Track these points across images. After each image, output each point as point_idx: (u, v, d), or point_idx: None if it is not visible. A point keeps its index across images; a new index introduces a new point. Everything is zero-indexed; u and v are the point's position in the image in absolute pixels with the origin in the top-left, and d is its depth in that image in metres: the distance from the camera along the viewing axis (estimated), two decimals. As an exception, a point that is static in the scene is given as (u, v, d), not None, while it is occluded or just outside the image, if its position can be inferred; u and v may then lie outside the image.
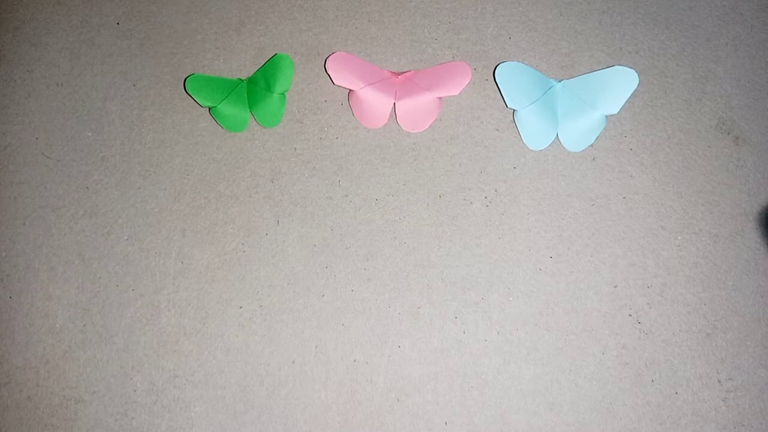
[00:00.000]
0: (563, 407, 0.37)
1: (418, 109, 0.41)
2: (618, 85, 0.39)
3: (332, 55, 0.42)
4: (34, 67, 0.44)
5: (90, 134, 0.43)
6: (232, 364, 0.39)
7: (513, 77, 0.40)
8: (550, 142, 0.40)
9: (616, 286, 0.38)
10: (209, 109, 0.42)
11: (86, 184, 0.42)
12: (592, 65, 0.42)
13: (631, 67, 0.40)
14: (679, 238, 0.39)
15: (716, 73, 0.41)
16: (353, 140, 0.41)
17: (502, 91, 0.41)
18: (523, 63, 0.41)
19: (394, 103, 0.41)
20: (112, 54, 0.44)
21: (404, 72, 0.42)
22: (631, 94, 0.40)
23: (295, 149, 0.42)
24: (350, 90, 0.42)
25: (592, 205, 0.40)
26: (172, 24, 0.44)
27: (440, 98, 0.41)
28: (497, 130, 0.41)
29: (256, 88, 0.42)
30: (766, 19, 0.42)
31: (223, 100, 0.41)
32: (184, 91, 0.42)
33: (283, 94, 0.42)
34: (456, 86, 0.41)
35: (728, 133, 0.40)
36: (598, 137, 0.40)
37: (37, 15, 0.45)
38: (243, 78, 0.42)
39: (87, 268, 0.40)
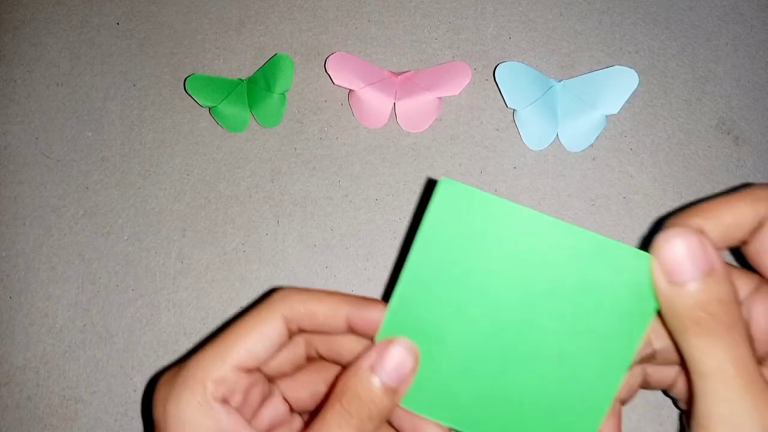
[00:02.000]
0: (563, 407, 0.37)
1: (418, 109, 0.41)
2: (618, 85, 0.39)
3: (332, 55, 0.42)
4: (34, 67, 0.44)
5: (90, 134, 0.43)
6: (232, 364, 0.39)
7: (513, 77, 0.40)
8: (550, 142, 0.40)
9: (616, 286, 0.38)
10: (209, 109, 0.42)
11: (86, 184, 0.42)
12: (592, 65, 0.42)
13: (631, 67, 0.40)
14: (679, 238, 0.39)
15: (716, 73, 0.41)
16: (353, 140, 0.41)
17: (502, 91, 0.41)
18: (523, 63, 0.41)
19: (394, 103, 0.41)
20: (112, 54, 0.44)
21: (404, 72, 0.42)
22: (631, 94, 0.40)
23: (295, 149, 0.42)
24: (350, 90, 0.42)
25: (593, 205, 0.40)
26: (172, 24, 0.44)
27: (440, 98, 0.41)
28: (497, 130, 0.41)
29: (256, 88, 0.42)
30: (767, 19, 0.42)
31: (223, 100, 0.42)
32: (184, 91, 0.42)
33: (283, 94, 0.42)
34: (456, 86, 0.41)
35: (728, 133, 0.40)
36: (598, 137, 0.40)
37: (37, 15, 0.45)
38: (243, 78, 0.42)
39: (87, 268, 0.40)
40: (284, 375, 0.30)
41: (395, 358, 0.26)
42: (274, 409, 0.30)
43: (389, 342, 0.26)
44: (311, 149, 0.41)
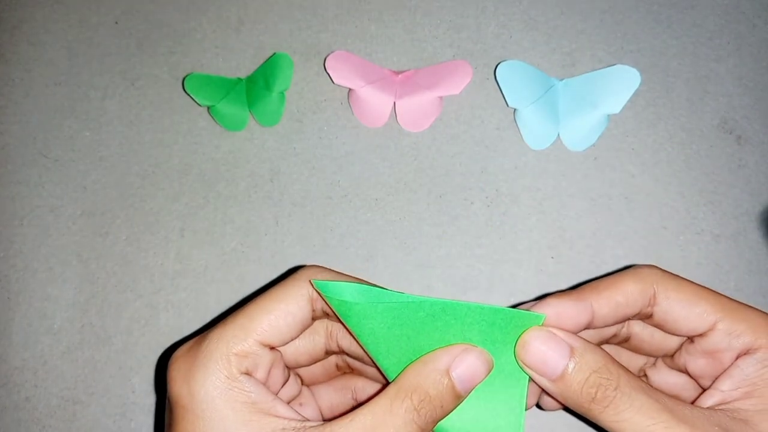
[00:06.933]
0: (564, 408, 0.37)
1: (418, 109, 0.41)
2: (620, 84, 0.39)
3: (332, 54, 0.41)
4: (32, 66, 0.44)
5: (88, 134, 0.43)
6: (231, 365, 0.39)
7: (514, 76, 0.40)
8: (551, 142, 0.40)
9: (617, 287, 0.38)
10: (208, 108, 0.42)
11: (84, 184, 0.42)
12: (594, 64, 0.41)
13: (632, 66, 0.39)
14: (681, 238, 0.39)
15: (718, 73, 0.41)
16: (353, 140, 0.41)
17: (502, 90, 0.40)
18: (524, 62, 0.40)
19: (395, 102, 0.41)
20: (110, 53, 0.44)
21: (404, 71, 0.41)
22: (633, 94, 0.39)
23: (295, 149, 0.41)
24: (350, 89, 0.42)
25: (594, 204, 0.39)
26: (171, 23, 0.44)
27: (441, 97, 0.41)
28: (498, 129, 0.41)
29: (255, 87, 0.41)
30: (769, 18, 0.42)
31: (222, 99, 0.41)
32: (182, 90, 0.42)
33: (282, 93, 0.42)
34: (456, 85, 0.41)
35: (730, 133, 0.40)
36: (599, 137, 0.40)
37: (36, 14, 0.45)
38: (242, 77, 0.42)
39: (85, 268, 0.40)
40: (300, 365, 0.30)
41: (471, 365, 0.25)
42: (291, 389, 0.29)
43: (465, 347, 0.25)
44: (311, 149, 0.41)
